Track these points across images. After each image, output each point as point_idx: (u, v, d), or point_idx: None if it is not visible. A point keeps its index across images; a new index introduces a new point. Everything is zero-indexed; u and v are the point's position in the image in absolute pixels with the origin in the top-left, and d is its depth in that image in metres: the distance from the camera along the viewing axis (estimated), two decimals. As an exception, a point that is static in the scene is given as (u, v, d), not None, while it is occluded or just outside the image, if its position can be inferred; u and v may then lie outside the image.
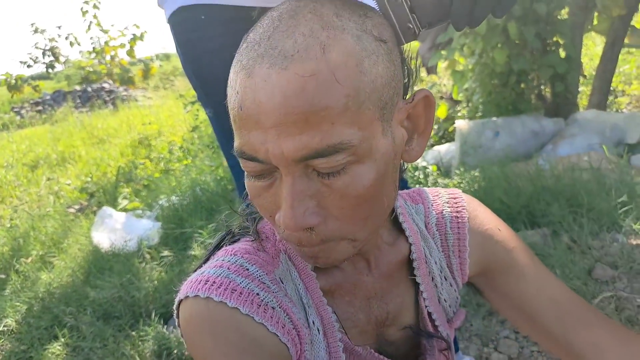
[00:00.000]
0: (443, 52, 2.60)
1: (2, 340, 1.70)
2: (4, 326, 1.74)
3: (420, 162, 2.83)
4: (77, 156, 6.92)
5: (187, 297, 0.47)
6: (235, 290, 0.47)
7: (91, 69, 17.77)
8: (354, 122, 0.39)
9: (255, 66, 0.38)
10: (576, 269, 1.54)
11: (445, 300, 0.64)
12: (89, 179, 3.82)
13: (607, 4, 2.90)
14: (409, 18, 0.45)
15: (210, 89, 0.91)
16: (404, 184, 1.08)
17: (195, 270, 0.53)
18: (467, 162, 3.14)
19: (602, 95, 3.66)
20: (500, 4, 0.45)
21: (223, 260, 0.50)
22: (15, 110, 15.18)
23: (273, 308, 0.48)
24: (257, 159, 0.41)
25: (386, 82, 0.41)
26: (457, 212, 0.64)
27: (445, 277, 0.63)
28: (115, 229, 2.35)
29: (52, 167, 6.49)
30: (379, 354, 0.57)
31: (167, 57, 34.44)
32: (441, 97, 3.38)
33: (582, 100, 3.90)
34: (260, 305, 0.47)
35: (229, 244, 0.55)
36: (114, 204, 2.93)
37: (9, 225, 2.89)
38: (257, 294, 0.47)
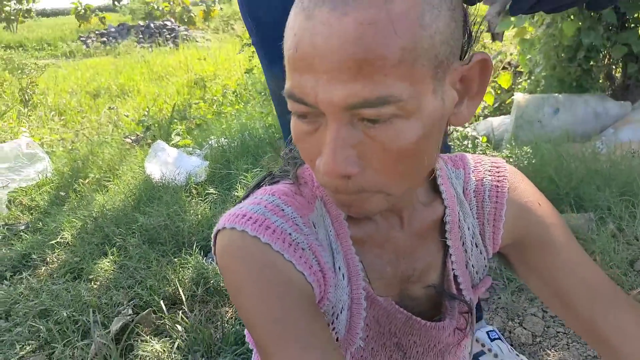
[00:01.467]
0: (513, 19, 2.46)
1: (58, 250, 1.86)
2: (61, 238, 1.91)
3: (470, 132, 2.77)
4: (136, 90, 7.14)
5: (224, 228, 0.51)
6: (269, 228, 0.50)
7: (155, 6, 18.02)
8: (406, 77, 0.39)
9: (315, 9, 0.39)
10: (618, 257, 1.50)
11: (473, 266, 0.65)
12: (146, 113, 3.96)
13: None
14: None
15: (265, 32, 0.91)
16: (447, 149, 1.07)
17: (242, 199, 0.56)
18: (520, 136, 3.03)
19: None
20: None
21: (261, 198, 0.53)
22: (82, 39, 15.73)
23: (303, 249, 0.51)
24: (306, 103, 0.42)
25: (445, 40, 0.41)
26: (498, 181, 0.64)
27: (476, 244, 0.64)
28: (166, 162, 2.46)
29: (112, 97, 6.76)
30: (400, 307, 0.59)
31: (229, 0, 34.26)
32: (504, 67, 3.23)
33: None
34: (290, 245, 0.50)
35: (269, 185, 0.58)
36: (167, 139, 3.05)
37: (70, 148, 3.07)
38: (290, 234, 0.51)
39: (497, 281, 1.49)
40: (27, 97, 6.31)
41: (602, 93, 3.20)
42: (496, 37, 2.75)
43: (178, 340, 1.32)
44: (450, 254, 0.62)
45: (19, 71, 7.93)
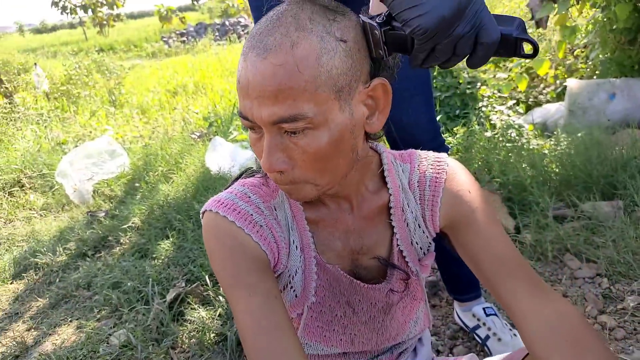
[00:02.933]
0: (555, 5, 2.43)
1: (129, 233, 2.19)
2: (132, 223, 2.23)
3: (516, 120, 2.77)
4: (209, 87, 7.57)
5: (206, 210, 0.70)
6: (235, 210, 0.68)
7: (230, 3, 18.78)
8: (311, 100, 0.55)
9: (249, 53, 0.56)
10: (634, 244, 1.52)
11: (417, 243, 0.79)
12: (211, 110, 4.31)
13: None
14: (381, 45, 0.59)
15: None
16: (445, 150, 1.19)
17: (227, 186, 0.75)
18: (574, 123, 2.97)
19: None
20: (450, 61, 0.57)
21: (234, 188, 0.72)
22: (164, 39, 16.86)
23: (260, 226, 0.69)
24: (247, 119, 0.60)
25: (342, 72, 0.57)
26: (438, 173, 0.77)
27: (419, 225, 0.78)
28: (223, 156, 2.73)
29: (188, 95, 7.25)
30: (346, 274, 0.75)
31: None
32: (547, 54, 3.16)
33: None
34: (250, 222, 0.68)
35: (247, 178, 0.76)
36: (226, 134, 3.34)
37: (144, 144, 3.46)
38: (251, 214, 0.68)
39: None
40: (114, 98, 6.99)
41: (669, 75, 3.01)
42: (540, 23, 2.71)
43: (219, 309, 1.55)
44: (395, 233, 0.77)
45: (108, 73, 8.69)
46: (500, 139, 2.54)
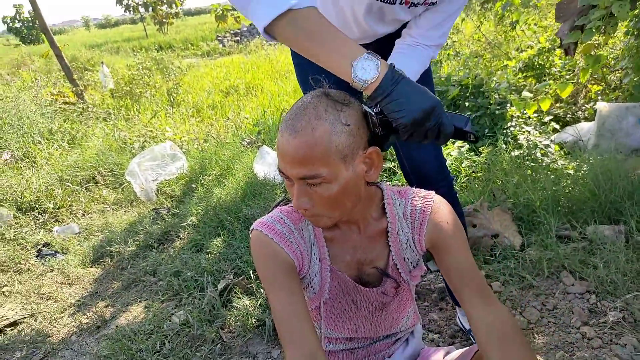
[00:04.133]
0: (580, 33, 2.58)
1: (188, 230, 2.55)
2: (190, 221, 2.60)
3: (543, 141, 2.92)
4: (259, 88, 7.94)
5: (253, 229, 1.00)
6: (273, 230, 0.98)
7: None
8: (325, 165, 0.84)
9: (284, 132, 0.86)
10: (628, 266, 1.71)
11: (408, 258, 1.06)
12: (261, 119, 4.67)
13: None
14: (377, 126, 0.87)
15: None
16: (450, 180, 1.45)
17: (268, 211, 1.05)
18: (602, 145, 3.10)
19: None
20: (424, 141, 0.85)
21: (274, 213, 1.02)
22: (219, 38, 17.53)
23: (291, 242, 0.98)
24: (284, 174, 0.89)
25: (346, 146, 0.85)
26: (425, 207, 1.04)
27: (409, 245, 1.05)
28: (269, 164, 3.06)
29: (240, 96, 7.65)
30: (351, 279, 1.03)
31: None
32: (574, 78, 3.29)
33: None
34: (283, 239, 0.97)
35: (283, 205, 1.06)
36: (273, 142, 3.68)
37: (200, 149, 3.85)
38: (284, 234, 0.98)
39: (512, 277, 1.80)
40: (172, 98, 7.51)
41: None
42: (568, 51, 2.86)
43: (260, 299, 1.87)
44: (391, 250, 1.04)
45: (167, 73, 9.26)
46: (526, 158, 2.73)
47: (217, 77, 9.57)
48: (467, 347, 1.07)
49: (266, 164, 3.04)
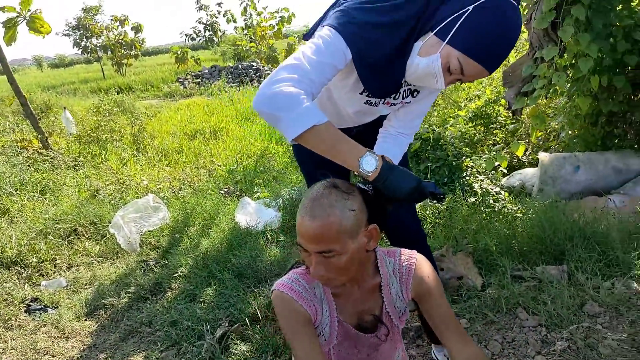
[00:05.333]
0: (526, 100, 3.01)
1: (179, 280, 2.72)
2: (180, 272, 2.76)
3: (494, 188, 3.30)
4: (225, 132, 8.10)
5: (274, 289, 1.24)
6: (292, 289, 1.22)
7: (244, 47, 19.73)
8: (337, 242, 1.10)
9: (305, 216, 1.11)
10: (570, 301, 2.03)
11: (397, 307, 1.32)
12: (234, 166, 4.89)
13: None
14: (369, 192, 1.15)
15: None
16: (423, 236, 1.74)
17: (282, 276, 1.29)
18: (545, 190, 3.52)
19: None
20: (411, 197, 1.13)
21: (290, 275, 1.26)
22: (180, 80, 17.67)
23: (306, 299, 1.22)
24: (304, 248, 1.14)
25: (351, 226, 1.11)
26: (410, 264, 1.31)
27: (398, 296, 1.31)
28: (250, 213, 3.28)
29: (206, 139, 7.81)
30: (353, 327, 1.28)
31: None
32: (520, 138, 3.75)
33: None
34: (300, 297, 1.21)
35: (297, 267, 1.30)
36: (251, 191, 3.90)
37: (182, 200, 4.02)
38: (301, 292, 1.22)
39: (476, 314, 2.09)
40: (138, 143, 7.61)
41: (631, 150, 3.54)
42: (515, 113, 3.29)
43: (256, 344, 2.06)
44: (384, 301, 1.30)
45: (132, 117, 9.33)
46: (481, 205, 3.08)
47: (182, 120, 9.69)
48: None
49: (247, 214, 3.26)
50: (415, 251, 1.36)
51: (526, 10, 3.14)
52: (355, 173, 1.17)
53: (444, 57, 1.13)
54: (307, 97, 1.13)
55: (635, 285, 2.17)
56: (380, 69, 1.25)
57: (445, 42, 1.11)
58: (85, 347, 2.33)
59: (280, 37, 19.39)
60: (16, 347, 2.36)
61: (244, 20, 20.00)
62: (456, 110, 5.32)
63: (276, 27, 18.96)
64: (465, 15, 1.08)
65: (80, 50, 24.94)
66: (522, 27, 3.26)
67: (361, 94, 1.40)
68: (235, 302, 2.36)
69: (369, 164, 1.13)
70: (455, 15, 1.10)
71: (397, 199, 1.14)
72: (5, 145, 6.94)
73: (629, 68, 3.23)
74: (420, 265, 1.31)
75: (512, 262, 2.35)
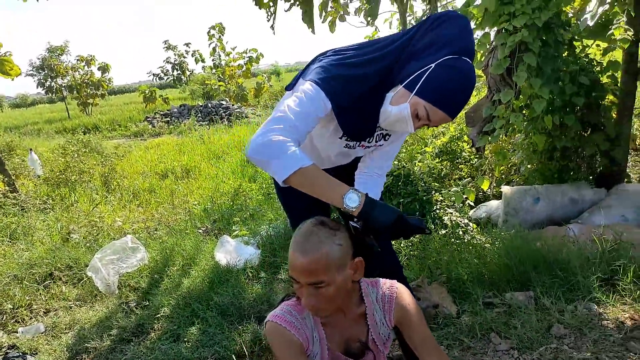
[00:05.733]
0: (488, 138, 3.26)
1: (161, 321, 2.74)
2: (163, 312, 2.79)
3: (462, 220, 3.49)
4: (197, 171, 8.13)
5: (267, 320, 1.34)
6: (285, 320, 1.32)
7: (213, 86, 19.95)
8: (325, 275, 1.22)
9: (296, 252, 1.23)
10: (538, 325, 2.19)
11: (381, 333, 1.43)
12: (210, 205, 4.95)
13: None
14: (359, 233, 1.28)
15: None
16: (400, 267, 1.87)
17: (275, 307, 1.39)
18: (509, 221, 3.73)
19: (655, 168, 3.95)
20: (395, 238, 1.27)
21: (282, 307, 1.36)
22: (148, 119, 17.64)
23: (298, 328, 1.32)
24: (296, 280, 1.25)
25: (339, 259, 1.24)
26: (391, 293, 1.43)
27: (382, 323, 1.43)
28: (230, 252, 3.35)
29: (177, 178, 7.82)
30: (342, 354, 1.38)
31: (277, 74, 36.27)
32: (484, 173, 4.01)
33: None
34: (293, 327, 1.31)
35: (287, 299, 1.41)
36: (229, 229, 3.97)
37: (160, 240, 4.05)
38: (293, 322, 1.32)
39: (454, 341, 2.21)
40: (108, 182, 7.56)
41: (583, 182, 3.82)
42: (479, 150, 3.55)
43: (243, 380, 2.11)
44: (369, 328, 1.41)
45: (102, 157, 9.26)
46: (451, 236, 3.25)
47: (152, 160, 9.66)
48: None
49: (227, 252, 3.33)
50: (396, 281, 1.49)
51: (483, 57, 3.43)
52: (341, 209, 1.30)
53: (413, 106, 1.31)
54: (293, 144, 1.28)
55: (595, 307, 2.35)
56: (355, 113, 1.42)
57: (414, 93, 1.29)
58: (68, 392, 2.32)
59: (248, 76, 19.76)
60: (-5, 396, 2.32)
61: (212, 60, 20.34)
62: (423, 146, 5.59)
63: (245, 67, 19.34)
64: (429, 71, 1.27)
65: (45, 90, 24.60)
66: (480, 72, 3.55)
67: (340, 138, 1.56)
68: (220, 339, 2.41)
69: (352, 201, 1.27)
70: (420, 71, 1.29)
71: (380, 232, 1.27)
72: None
73: (578, 108, 3.54)
74: (401, 294, 1.44)
75: (483, 290, 2.51)
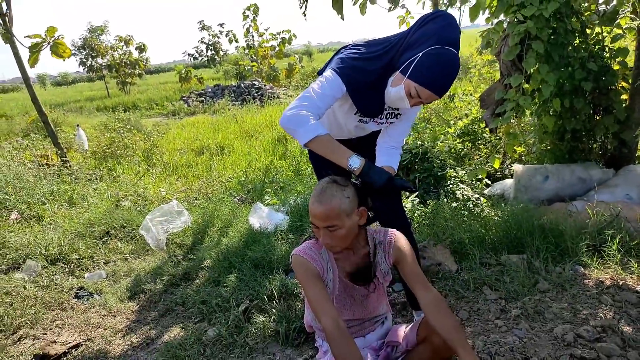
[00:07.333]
0: (499, 120, 3.55)
1: (204, 270, 3.21)
2: (205, 263, 3.26)
3: (473, 195, 3.82)
4: (231, 148, 8.60)
5: (293, 254, 1.75)
6: (306, 254, 1.73)
7: (245, 67, 20.39)
8: (338, 219, 1.62)
9: (315, 202, 1.63)
10: (526, 281, 2.54)
11: (382, 269, 1.83)
12: (243, 179, 5.42)
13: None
14: (364, 197, 1.67)
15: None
16: (408, 224, 2.24)
17: (299, 244, 1.80)
18: (519, 197, 4.03)
19: (664, 150, 4.15)
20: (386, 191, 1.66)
21: (305, 244, 1.77)
22: (184, 99, 18.28)
23: (316, 260, 1.73)
24: (314, 225, 1.65)
25: (349, 208, 1.63)
26: (390, 238, 1.82)
27: (383, 261, 1.82)
28: (262, 217, 3.78)
29: (212, 155, 8.31)
30: (350, 282, 1.78)
31: (309, 54, 36.17)
32: (501, 153, 4.29)
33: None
34: (312, 259, 1.72)
35: (309, 239, 1.82)
36: (262, 198, 4.42)
37: (201, 206, 4.53)
38: (312, 255, 1.73)
39: (450, 291, 2.58)
40: (150, 157, 8.14)
41: (591, 162, 4.06)
42: (493, 131, 3.84)
43: (273, 316, 2.55)
44: (372, 264, 1.81)
45: (144, 134, 9.84)
46: (462, 209, 3.59)
47: (188, 138, 10.19)
48: (419, 319, 1.83)
49: (260, 217, 3.77)
50: (395, 229, 1.87)
51: (496, 44, 3.70)
52: (346, 169, 1.68)
53: (406, 87, 1.67)
54: (314, 118, 1.68)
55: (581, 269, 2.68)
56: (365, 93, 1.80)
57: (406, 76, 1.66)
58: (130, 322, 2.82)
59: (281, 57, 20.12)
60: (72, 323, 2.85)
61: (246, 40, 20.75)
62: (446, 127, 5.87)
63: (277, 48, 19.67)
64: (417, 59, 1.63)
65: (86, 69, 25.61)
66: (494, 57, 3.82)
67: (355, 114, 1.94)
68: (254, 285, 2.86)
69: (354, 162, 1.66)
70: (411, 59, 1.65)
71: (375, 188, 1.65)
72: (27, 161, 7.46)
73: (588, 92, 3.77)
74: (399, 239, 1.83)
75: (482, 252, 2.86)
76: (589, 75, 3.63)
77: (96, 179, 6.50)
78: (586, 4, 3.95)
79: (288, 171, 6.07)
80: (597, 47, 3.80)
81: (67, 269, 3.58)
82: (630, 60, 3.94)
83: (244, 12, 19.96)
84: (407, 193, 3.77)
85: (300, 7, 4.94)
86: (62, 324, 2.85)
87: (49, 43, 7.44)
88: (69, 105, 22.20)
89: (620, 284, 2.51)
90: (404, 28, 1.85)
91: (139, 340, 2.61)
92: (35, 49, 7.47)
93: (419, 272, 1.76)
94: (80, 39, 26.00)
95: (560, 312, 2.31)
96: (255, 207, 3.88)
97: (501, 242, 2.95)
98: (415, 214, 3.50)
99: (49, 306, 3.05)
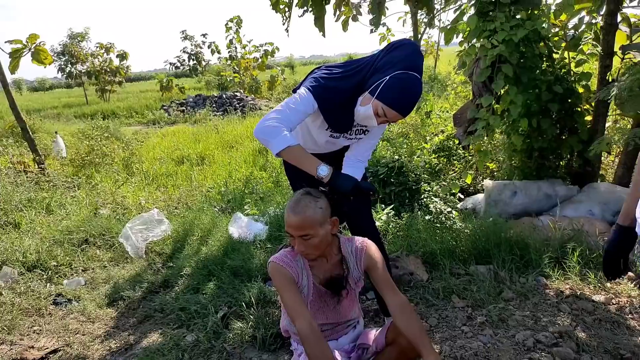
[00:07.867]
0: (471, 138, 3.74)
1: (184, 278, 3.27)
2: (185, 271, 3.32)
3: (445, 208, 3.98)
4: (212, 158, 8.65)
5: (270, 261, 1.85)
6: (282, 261, 1.84)
7: (228, 78, 20.46)
8: (311, 229, 1.73)
9: (290, 213, 1.75)
10: (492, 290, 2.68)
11: (354, 276, 1.94)
12: (224, 189, 5.49)
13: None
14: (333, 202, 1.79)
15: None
16: (378, 233, 2.37)
17: (275, 253, 1.91)
18: (490, 211, 4.20)
19: (626, 170, 4.40)
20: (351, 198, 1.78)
21: (281, 252, 1.88)
22: (165, 108, 18.22)
23: (292, 267, 1.84)
24: (290, 234, 1.76)
25: (322, 218, 1.75)
26: (362, 247, 1.94)
27: (355, 268, 1.94)
28: (242, 227, 3.87)
29: (193, 165, 8.34)
30: (323, 288, 1.89)
31: (292, 67, 36.43)
32: (470, 167, 4.48)
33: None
34: (288, 266, 1.83)
35: (285, 247, 1.92)
36: (241, 208, 4.50)
37: (181, 215, 4.59)
38: (288, 262, 1.84)
39: (421, 299, 2.70)
40: (129, 166, 8.13)
41: (557, 179, 4.27)
42: (465, 148, 4.03)
43: (251, 322, 2.63)
44: (345, 271, 1.92)
45: (123, 143, 9.80)
46: (435, 222, 3.74)
47: (168, 147, 10.19)
48: (387, 323, 1.95)
49: (239, 227, 3.85)
50: (366, 238, 1.99)
51: (468, 66, 3.90)
52: (315, 177, 1.81)
53: (374, 106, 1.82)
54: (286, 130, 1.81)
55: (543, 280, 2.84)
56: (335, 112, 1.94)
57: (374, 97, 1.80)
58: (109, 328, 2.86)
59: (263, 69, 20.28)
60: (50, 329, 2.87)
61: (229, 52, 20.87)
62: (423, 143, 6.06)
63: (260, 60, 19.84)
64: (385, 81, 1.77)
65: (65, 75, 25.32)
66: (467, 78, 4.02)
67: (327, 129, 2.08)
68: (232, 293, 2.94)
69: (323, 171, 1.80)
70: (379, 81, 1.80)
71: (344, 194, 1.79)
72: (3, 167, 7.38)
73: (554, 113, 4.00)
74: (369, 247, 1.95)
75: (452, 263, 3.00)
76: (555, 97, 3.86)
77: (74, 187, 6.48)
78: (554, 30, 4.19)
79: (268, 182, 6.16)
80: (562, 71, 4.03)
81: (45, 276, 3.60)
82: (593, 84, 4.19)
83: (227, 24, 20.10)
84: (383, 206, 3.90)
85: (283, 24, 5.09)
86: (40, 330, 2.87)
87: (30, 49, 7.43)
88: (46, 111, 21.85)
89: (579, 293, 2.67)
90: (385, 44, 2.03)
91: (118, 345, 2.66)
92: (16, 55, 7.45)
93: (388, 279, 1.88)
94: (60, 45, 25.73)
95: (522, 319, 2.46)
96: (235, 217, 3.96)
97: (470, 253, 3.10)
98: (390, 226, 3.63)
99: (26, 312, 3.06)
